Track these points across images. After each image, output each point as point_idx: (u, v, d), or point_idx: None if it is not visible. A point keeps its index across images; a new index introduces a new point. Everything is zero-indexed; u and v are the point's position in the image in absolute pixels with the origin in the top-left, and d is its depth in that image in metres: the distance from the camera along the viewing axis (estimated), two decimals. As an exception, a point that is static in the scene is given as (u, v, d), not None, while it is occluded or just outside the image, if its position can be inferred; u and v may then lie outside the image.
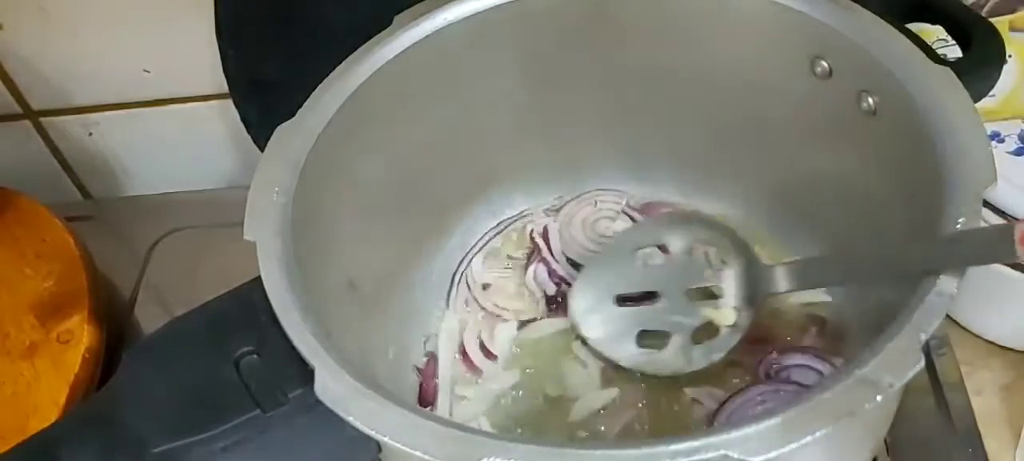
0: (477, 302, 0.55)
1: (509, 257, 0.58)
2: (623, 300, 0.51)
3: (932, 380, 0.53)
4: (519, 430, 0.50)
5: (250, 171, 0.43)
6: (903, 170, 0.42)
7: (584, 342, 0.52)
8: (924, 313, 0.33)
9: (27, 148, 0.74)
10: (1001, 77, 0.45)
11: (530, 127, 0.55)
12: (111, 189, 0.78)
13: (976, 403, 0.52)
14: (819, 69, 0.46)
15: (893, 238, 0.43)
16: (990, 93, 0.45)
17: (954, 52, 0.46)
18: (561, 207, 0.59)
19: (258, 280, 0.38)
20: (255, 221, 0.41)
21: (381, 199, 0.50)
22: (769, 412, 0.31)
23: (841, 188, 0.49)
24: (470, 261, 0.57)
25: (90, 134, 0.73)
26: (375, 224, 0.50)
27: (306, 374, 0.35)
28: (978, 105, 0.40)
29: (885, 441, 0.49)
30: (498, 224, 0.59)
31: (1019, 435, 0.51)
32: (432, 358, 0.53)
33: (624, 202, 0.58)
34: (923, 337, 0.32)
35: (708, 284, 0.50)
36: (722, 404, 0.48)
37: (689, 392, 0.49)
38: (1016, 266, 0.51)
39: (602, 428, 0.49)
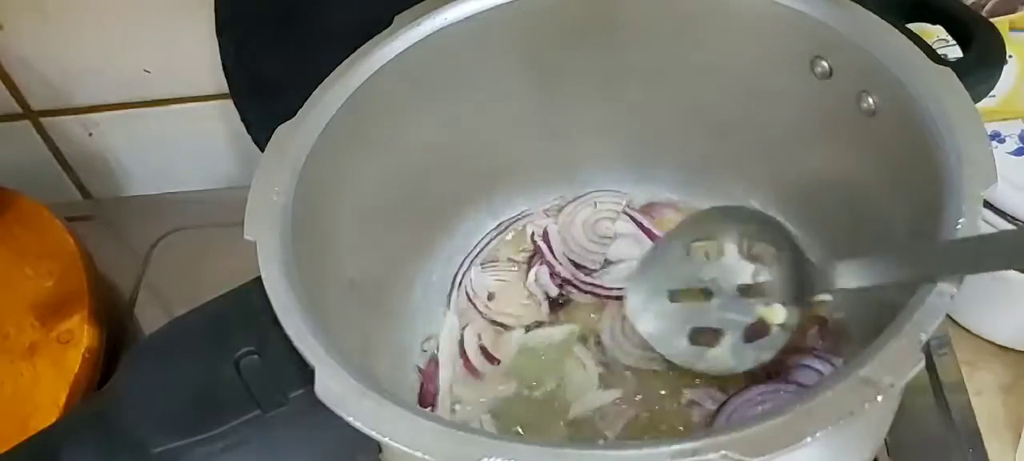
0: (479, 310, 0.55)
1: (510, 260, 0.57)
2: (676, 296, 0.50)
3: (932, 380, 0.53)
4: (518, 429, 0.50)
5: (250, 171, 0.43)
6: (903, 170, 0.42)
7: (597, 342, 0.52)
8: (924, 313, 0.33)
9: (27, 148, 0.74)
10: (1001, 77, 0.45)
11: (530, 127, 0.55)
12: (111, 189, 0.78)
13: (976, 403, 0.52)
14: (819, 69, 0.46)
15: (893, 238, 0.43)
16: (990, 93, 0.45)
17: (954, 52, 0.46)
18: (562, 208, 0.59)
19: (258, 280, 0.38)
20: (255, 221, 0.41)
21: (381, 199, 0.50)
22: (769, 412, 0.31)
23: (841, 188, 0.49)
24: (471, 264, 0.57)
25: (90, 134, 0.73)
26: (375, 224, 0.50)
27: (306, 374, 0.35)
28: (978, 105, 0.40)
29: (885, 441, 0.49)
30: (498, 225, 0.59)
31: (1019, 435, 0.51)
32: (433, 359, 0.53)
33: (625, 203, 0.58)
34: (923, 337, 0.32)
35: (759, 281, 0.49)
36: (722, 404, 0.48)
37: (688, 394, 0.49)
38: (1016, 266, 0.51)
39: (601, 429, 0.49)
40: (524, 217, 0.59)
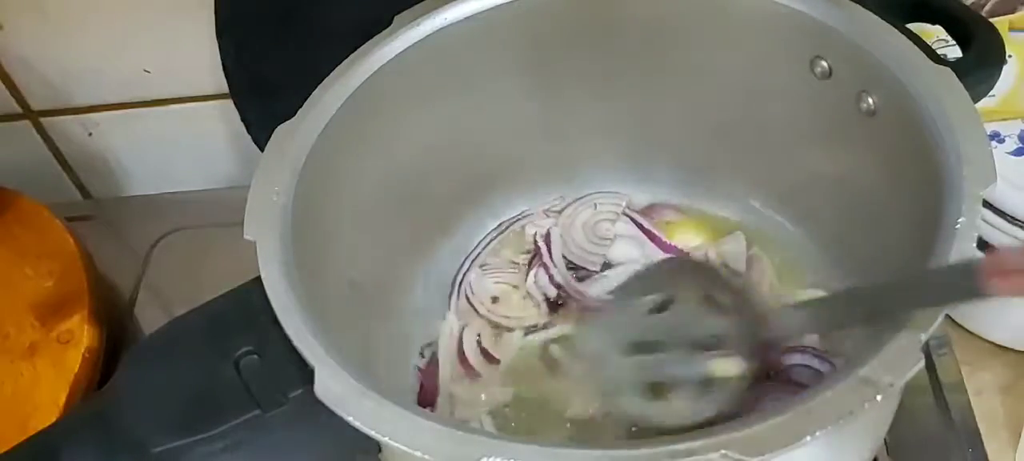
0: (478, 311, 0.55)
1: (511, 262, 0.57)
2: (629, 350, 0.47)
3: (932, 380, 0.53)
4: (514, 425, 0.50)
5: (250, 171, 0.43)
6: (903, 170, 0.42)
7: None
8: (924, 313, 0.33)
9: (27, 148, 0.74)
10: (1001, 77, 0.45)
11: (530, 127, 0.55)
12: (111, 189, 0.78)
13: (976, 403, 0.52)
14: (819, 69, 0.46)
15: (892, 238, 0.43)
16: (990, 93, 0.45)
17: (954, 52, 0.46)
18: (562, 209, 0.59)
19: (258, 280, 0.38)
20: (255, 221, 0.41)
21: (381, 199, 0.50)
22: (769, 412, 0.31)
23: (841, 188, 0.48)
24: (471, 264, 0.57)
25: (90, 134, 0.73)
26: (375, 224, 0.50)
27: (306, 374, 0.35)
28: (978, 105, 0.40)
29: (885, 441, 0.49)
30: (499, 225, 0.59)
31: (1019, 436, 0.51)
32: (432, 359, 0.53)
33: (624, 204, 0.58)
34: (923, 337, 0.32)
35: (713, 333, 0.46)
36: (722, 404, 0.48)
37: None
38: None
39: (601, 429, 0.49)
40: (524, 217, 0.59)
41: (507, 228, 0.59)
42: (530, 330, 0.54)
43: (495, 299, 0.56)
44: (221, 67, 0.63)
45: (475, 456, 0.31)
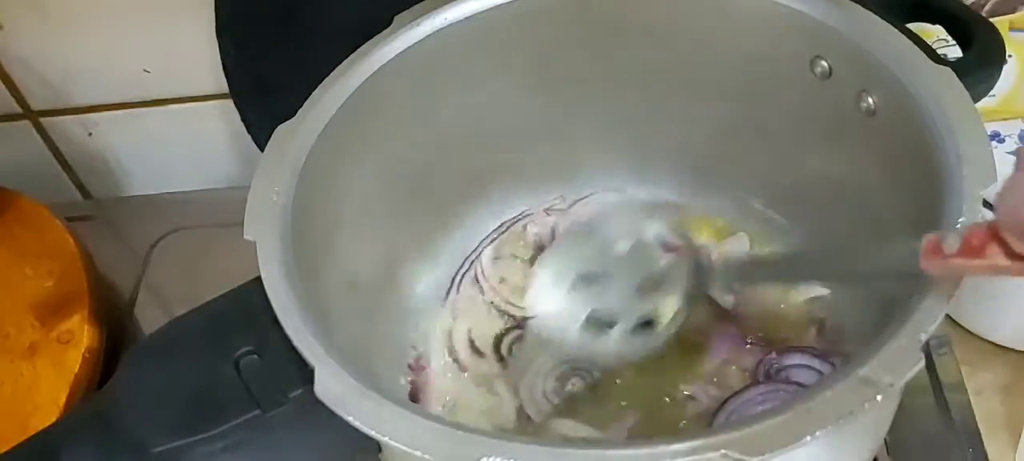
0: (490, 301, 0.55)
1: (513, 256, 0.57)
2: (578, 282, 0.49)
3: (932, 380, 0.53)
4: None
5: (250, 171, 0.43)
6: (903, 170, 0.42)
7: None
8: (924, 313, 0.33)
9: (27, 148, 0.74)
10: (1001, 77, 0.45)
11: (530, 127, 0.55)
12: (111, 189, 0.78)
13: (976, 403, 0.52)
14: (819, 69, 0.46)
15: (891, 237, 0.43)
16: (990, 93, 0.45)
17: (954, 52, 0.46)
18: (568, 208, 0.59)
19: (258, 280, 0.38)
20: (255, 221, 0.41)
21: (381, 199, 0.50)
22: (769, 412, 0.31)
23: (841, 187, 0.48)
24: (472, 263, 0.57)
25: (90, 134, 0.73)
26: (375, 224, 0.50)
27: (306, 374, 0.35)
28: (978, 105, 0.40)
29: (885, 441, 0.49)
30: (500, 225, 0.59)
31: (1019, 436, 0.51)
32: (432, 359, 0.53)
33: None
34: (923, 337, 0.32)
35: (659, 272, 0.48)
36: (722, 404, 0.48)
37: (684, 388, 0.49)
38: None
39: (596, 422, 0.49)
40: (524, 217, 0.59)
41: (508, 228, 0.59)
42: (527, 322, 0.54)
43: (499, 289, 0.56)
44: (221, 67, 0.63)
45: (475, 456, 0.31)
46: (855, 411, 0.31)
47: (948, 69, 0.40)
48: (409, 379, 0.53)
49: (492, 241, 0.58)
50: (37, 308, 0.59)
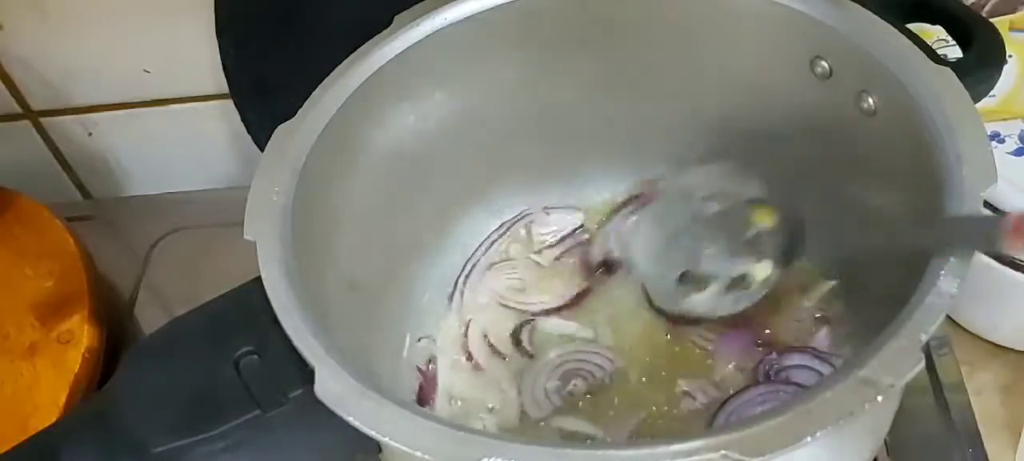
0: (494, 300, 0.56)
1: (515, 256, 0.58)
2: (675, 239, 0.51)
3: (932, 380, 0.53)
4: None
5: (250, 171, 0.43)
6: (903, 170, 0.42)
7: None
8: (924, 313, 0.33)
9: (27, 148, 0.74)
10: (1001, 77, 0.45)
11: (530, 127, 0.55)
12: (111, 189, 0.78)
13: (976, 403, 0.52)
14: (819, 69, 0.46)
15: (892, 237, 0.43)
16: (990, 93, 0.45)
17: (954, 52, 0.46)
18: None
19: (258, 280, 0.38)
20: (255, 221, 0.41)
21: (381, 199, 0.50)
22: (769, 413, 0.31)
23: (841, 188, 0.48)
24: (475, 263, 0.57)
25: (90, 134, 0.73)
26: (375, 224, 0.50)
27: (306, 374, 0.35)
28: (978, 105, 0.40)
29: (885, 441, 0.49)
30: (500, 225, 0.59)
31: (1019, 436, 0.51)
32: (433, 359, 0.53)
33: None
34: (923, 337, 0.32)
35: (756, 237, 0.49)
36: (722, 404, 0.48)
37: (682, 384, 0.49)
38: (1016, 266, 0.51)
39: (594, 416, 0.49)
40: (525, 217, 0.59)
41: (508, 228, 0.59)
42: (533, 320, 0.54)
43: (503, 289, 0.56)
44: (221, 67, 0.63)
45: (475, 456, 0.31)
46: (855, 412, 0.31)
47: (948, 69, 0.40)
48: (416, 380, 0.53)
49: (493, 241, 0.58)
50: (37, 308, 0.59)
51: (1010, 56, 0.54)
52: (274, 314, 0.37)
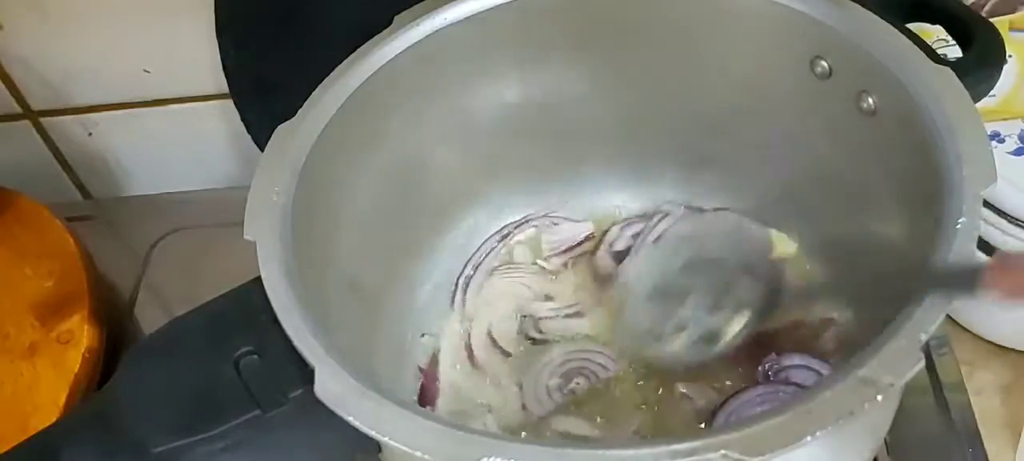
0: (497, 300, 0.56)
1: (517, 263, 0.58)
2: (656, 294, 0.51)
3: (932, 380, 0.53)
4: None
5: (250, 171, 0.43)
6: (903, 170, 0.42)
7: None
8: (924, 313, 0.33)
9: (27, 148, 0.74)
10: (1001, 77, 0.45)
11: (530, 127, 0.55)
12: (111, 189, 0.78)
13: (976, 403, 0.52)
14: (819, 69, 0.46)
15: (893, 238, 0.43)
16: (990, 93, 0.45)
17: (954, 52, 0.46)
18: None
19: (258, 280, 0.38)
20: (255, 221, 0.41)
21: (381, 199, 0.50)
22: (769, 413, 0.31)
23: (841, 188, 0.48)
24: (477, 264, 0.57)
25: (90, 134, 0.73)
26: (375, 224, 0.50)
27: (306, 374, 0.35)
28: (978, 105, 0.40)
29: (885, 441, 0.49)
30: (501, 226, 0.59)
31: (1019, 435, 0.51)
32: (434, 358, 0.53)
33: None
34: (923, 337, 0.32)
35: (732, 296, 0.49)
36: (722, 404, 0.48)
37: (681, 388, 0.49)
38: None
39: (594, 416, 0.49)
40: (525, 217, 0.59)
41: (511, 231, 0.59)
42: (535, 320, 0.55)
43: (499, 290, 0.56)
44: (221, 67, 0.63)
45: (475, 456, 0.31)
46: (855, 411, 0.31)
47: (948, 69, 0.40)
48: (419, 381, 0.53)
49: (496, 243, 0.58)
50: (37, 308, 0.59)
51: (1010, 56, 0.54)
52: (274, 314, 0.37)
